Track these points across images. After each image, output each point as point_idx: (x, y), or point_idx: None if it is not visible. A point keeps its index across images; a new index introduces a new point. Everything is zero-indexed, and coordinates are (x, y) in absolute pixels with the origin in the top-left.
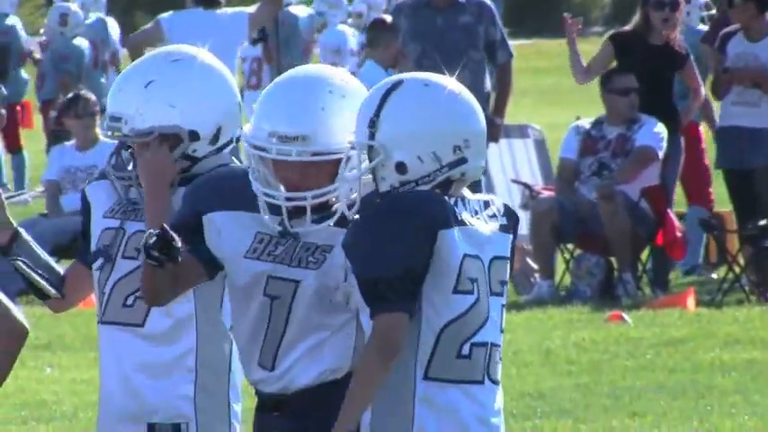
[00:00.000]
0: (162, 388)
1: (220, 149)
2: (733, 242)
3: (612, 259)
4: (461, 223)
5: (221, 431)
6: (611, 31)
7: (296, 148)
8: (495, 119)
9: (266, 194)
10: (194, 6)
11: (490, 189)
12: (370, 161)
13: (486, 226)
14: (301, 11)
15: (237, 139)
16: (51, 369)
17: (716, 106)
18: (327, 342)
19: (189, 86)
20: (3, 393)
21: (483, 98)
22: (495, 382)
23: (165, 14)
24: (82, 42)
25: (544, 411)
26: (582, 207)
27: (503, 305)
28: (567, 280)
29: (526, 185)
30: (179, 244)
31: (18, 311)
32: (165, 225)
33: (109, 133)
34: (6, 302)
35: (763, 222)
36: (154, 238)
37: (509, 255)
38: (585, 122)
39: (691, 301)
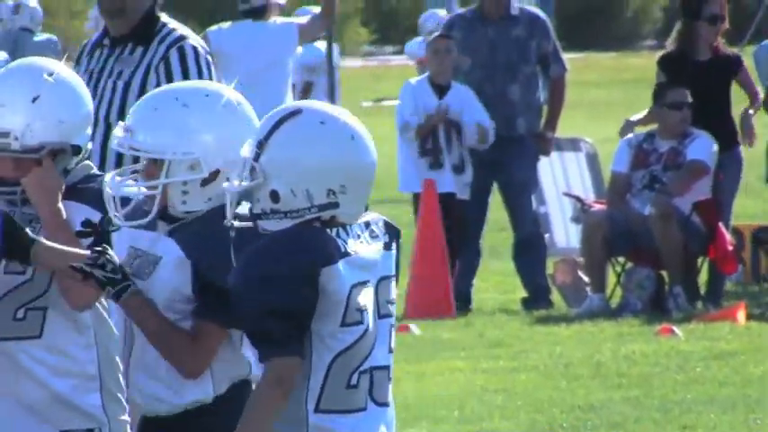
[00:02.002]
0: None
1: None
2: None
3: (663, 273)
4: (345, 255)
5: None
6: (660, 53)
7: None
8: (546, 133)
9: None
10: (242, 18)
11: (542, 202)
12: (251, 179)
13: (369, 248)
14: None
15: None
16: None
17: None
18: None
19: (72, 101)
20: None
21: (534, 111)
22: (381, 405)
23: (212, 27)
24: None
25: (594, 424)
26: (633, 220)
27: (392, 325)
28: (618, 293)
29: (578, 198)
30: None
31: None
32: (105, 246)
33: None
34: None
35: None
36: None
37: (394, 272)
38: (637, 136)
39: (741, 315)
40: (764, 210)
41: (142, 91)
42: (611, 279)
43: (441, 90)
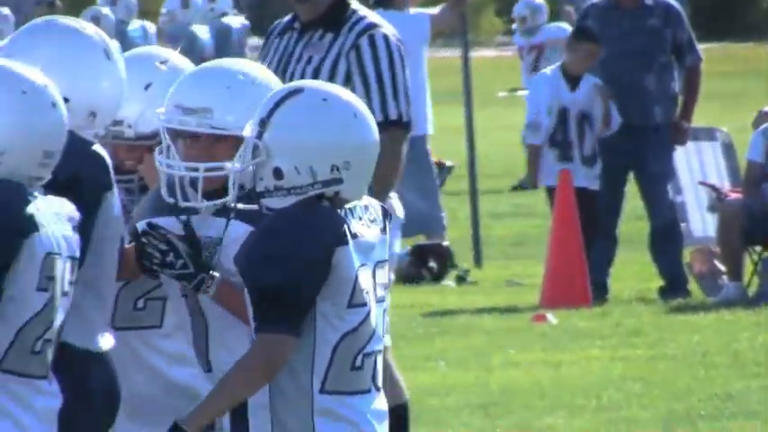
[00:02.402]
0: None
1: None
2: None
3: None
4: (354, 236)
5: None
6: None
7: (196, 119)
8: (682, 123)
9: (167, 165)
10: (375, 8)
11: (678, 191)
12: (253, 158)
13: (369, 231)
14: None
15: None
16: None
17: None
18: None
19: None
20: None
21: (670, 101)
22: (378, 390)
23: None
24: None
25: (732, 413)
26: None
27: (385, 310)
28: (755, 282)
29: (714, 188)
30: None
31: None
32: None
33: (108, 138)
34: None
35: None
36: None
37: (387, 257)
38: None
39: None
40: None
41: (331, 78)
42: (747, 268)
43: (574, 81)
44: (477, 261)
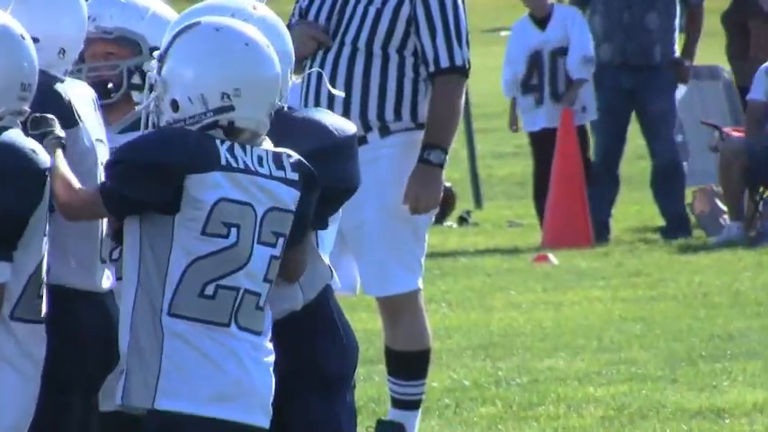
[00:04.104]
0: None
1: None
2: None
3: None
4: (229, 168)
5: None
6: None
7: None
8: (683, 60)
9: None
10: None
11: (679, 130)
12: (153, 92)
13: (264, 173)
14: None
15: None
16: None
17: None
18: None
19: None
20: None
21: (670, 40)
22: (245, 330)
23: None
24: None
25: (733, 353)
26: None
27: (273, 256)
28: (758, 222)
29: (716, 127)
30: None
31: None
32: None
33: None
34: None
35: None
36: None
37: (293, 209)
38: None
39: None
40: None
41: (393, 20)
42: (749, 207)
43: (542, 21)
44: (478, 202)
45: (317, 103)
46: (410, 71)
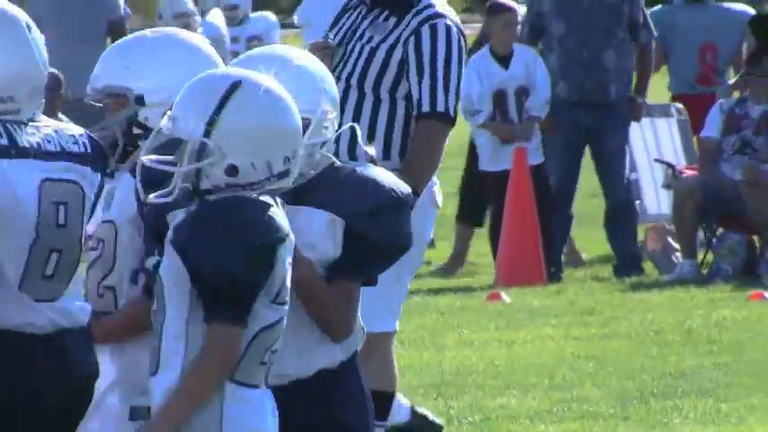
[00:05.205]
0: None
1: None
2: None
3: (755, 237)
4: (287, 234)
5: None
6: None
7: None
8: (636, 98)
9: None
10: None
11: (633, 168)
12: (199, 157)
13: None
14: None
15: None
16: None
17: None
18: None
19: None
20: None
21: (626, 78)
22: (268, 387)
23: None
24: None
25: (685, 391)
26: (724, 186)
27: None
28: (710, 259)
29: (669, 165)
30: None
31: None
32: None
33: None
34: None
35: None
36: None
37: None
38: (729, 101)
39: None
40: None
41: (386, 62)
42: (702, 245)
43: (504, 59)
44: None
45: (352, 157)
46: (401, 113)
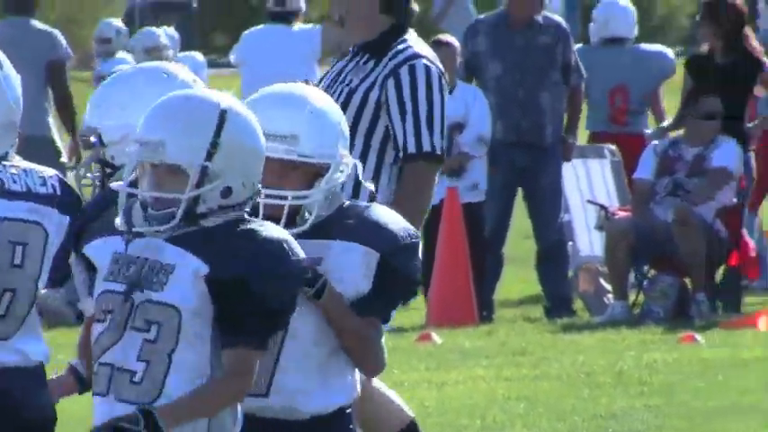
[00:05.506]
0: None
1: None
2: None
3: (687, 280)
4: None
5: None
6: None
7: (285, 146)
8: (567, 138)
9: (279, 197)
10: (270, 23)
11: (565, 210)
12: (200, 182)
13: None
14: None
15: None
16: None
17: None
18: None
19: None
20: None
21: (559, 119)
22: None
23: (246, 32)
24: None
25: None
26: (657, 228)
27: None
28: (641, 300)
29: (602, 206)
30: None
31: None
32: None
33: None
34: None
35: None
36: None
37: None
38: (663, 142)
39: (763, 322)
40: None
41: (362, 103)
42: (633, 287)
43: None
44: None
45: (355, 194)
46: (373, 156)
